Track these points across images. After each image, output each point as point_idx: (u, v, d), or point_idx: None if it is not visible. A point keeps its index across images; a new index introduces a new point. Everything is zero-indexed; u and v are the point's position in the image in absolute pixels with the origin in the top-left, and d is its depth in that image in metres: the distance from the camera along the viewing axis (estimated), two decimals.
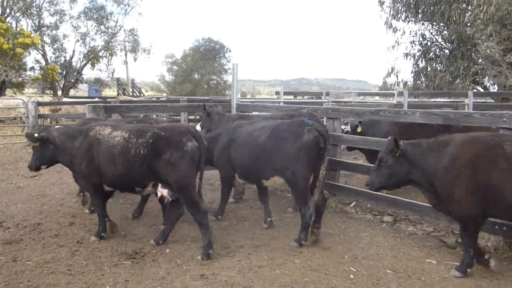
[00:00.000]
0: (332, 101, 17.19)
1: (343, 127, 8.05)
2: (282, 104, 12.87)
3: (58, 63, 32.23)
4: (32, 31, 29.75)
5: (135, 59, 37.09)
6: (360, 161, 8.95)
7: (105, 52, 34.14)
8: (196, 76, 47.09)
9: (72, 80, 33.28)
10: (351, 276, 4.55)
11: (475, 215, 4.42)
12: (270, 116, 7.76)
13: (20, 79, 28.00)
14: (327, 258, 5.02)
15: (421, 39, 23.78)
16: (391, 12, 23.02)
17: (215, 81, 48.02)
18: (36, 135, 5.68)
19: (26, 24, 30.86)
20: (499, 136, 4.50)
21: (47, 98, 23.87)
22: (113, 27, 34.44)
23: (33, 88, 34.29)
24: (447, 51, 22.79)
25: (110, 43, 34.35)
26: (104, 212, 5.61)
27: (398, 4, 22.64)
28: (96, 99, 22.27)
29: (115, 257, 5.00)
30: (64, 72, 32.72)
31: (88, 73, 35.75)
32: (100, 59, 34.04)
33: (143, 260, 4.94)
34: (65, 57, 33.40)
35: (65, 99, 21.31)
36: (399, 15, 22.83)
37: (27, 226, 6.10)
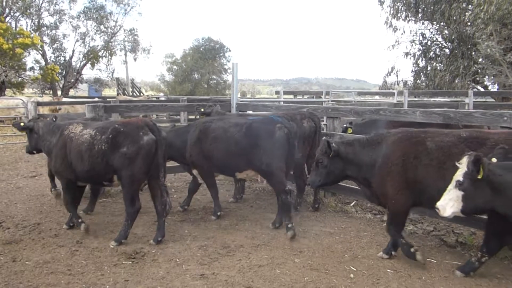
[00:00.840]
0: (332, 101, 17.19)
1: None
2: (282, 103, 12.86)
3: (58, 63, 32.23)
4: (32, 31, 29.74)
5: (135, 59, 37.19)
6: None
7: (105, 52, 34.17)
8: (196, 75, 47.06)
9: (72, 80, 33.30)
10: (351, 275, 4.54)
11: (407, 208, 4.83)
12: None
13: (19, 79, 28.01)
14: (327, 257, 5.01)
15: (421, 38, 23.78)
16: (391, 11, 23.01)
17: (215, 81, 47.98)
18: (22, 124, 6.24)
19: (25, 24, 30.94)
20: (425, 133, 4.79)
21: (46, 98, 23.89)
22: (113, 27, 34.52)
23: (32, 88, 34.29)
24: (447, 50, 22.78)
25: (110, 43, 34.39)
26: (75, 207, 5.91)
27: (398, 3, 22.62)
28: (96, 99, 22.22)
29: (115, 257, 4.99)
30: (64, 72, 32.73)
31: (88, 73, 35.84)
32: (100, 59, 34.07)
33: (143, 259, 4.93)
34: (64, 57, 33.46)
35: (64, 99, 21.29)
36: (399, 14, 22.81)
37: (26, 226, 6.09)
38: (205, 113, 8.04)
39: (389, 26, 23.57)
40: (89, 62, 33.49)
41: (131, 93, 37.03)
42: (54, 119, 6.35)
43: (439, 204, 3.99)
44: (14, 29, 27.41)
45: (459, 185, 3.90)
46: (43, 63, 31.37)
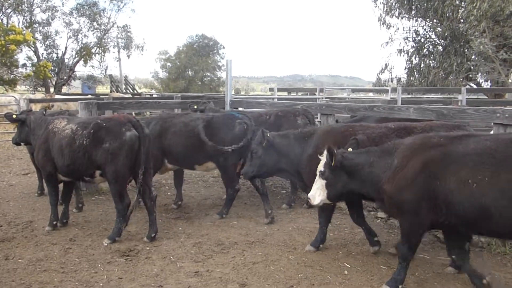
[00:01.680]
0: (326, 98, 17.20)
1: None
2: (276, 100, 12.85)
3: (50, 60, 31.91)
4: (24, 28, 29.44)
5: (128, 56, 36.85)
6: None
7: (98, 48, 33.88)
8: (190, 73, 46.88)
9: (65, 77, 33.00)
10: (346, 272, 4.55)
11: (337, 198, 4.64)
12: None
13: (11, 76, 27.74)
14: (321, 254, 5.02)
15: (414, 35, 23.84)
16: (385, 9, 23.04)
17: (209, 78, 47.82)
18: (14, 116, 6.32)
19: (17, 21, 30.57)
20: (356, 126, 5.10)
21: (39, 95, 23.66)
22: (106, 24, 34.16)
23: (25, 85, 33.96)
24: (440, 47, 22.86)
25: (103, 40, 34.09)
26: (56, 202, 5.89)
27: (392, 1, 22.66)
28: (89, 96, 22.08)
29: (109, 254, 4.97)
30: (56, 69, 32.43)
31: (81, 70, 35.49)
32: (93, 56, 33.77)
33: (137, 257, 4.92)
34: (57, 53, 33.09)
35: (57, 96, 21.13)
36: (392, 12, 22.85)
37: (19, 224, 6.06)
38: (199, 110, 8.01)
39: (383, 23, 23.62)
40: (82, 59, 33.16)
41: (124, 90, 36.84)
42: (43, 113, 6.33)
43: (309, 194, 4.40)
44: (5, 25, 27.12)
45: (321, 174, 4.30)
46: (35, 60, 31.02)
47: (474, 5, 17.03)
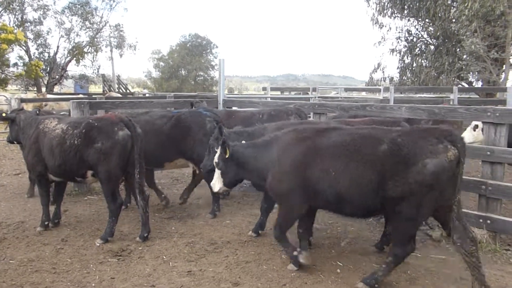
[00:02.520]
0: (319, 97, 17.25)
1: None
2: (269, 100, 12.86)
3: (42, 59, 31.70)
4: (15, 27, 29.21)
5: (120, 55, 36.78)
6: None
7: (90, 48, 33.71)
8: (183, 72, 46.85)
9: (57, 77, 32.79)
10: (338, 270, 4.56)
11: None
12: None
13: (3, 75, 27.53)
14: (314, 253, 5.03)
15: (407, 35, 24.00)
16: (377, 8, 23.18)
17: (202, 77, 47.80)
18: (4, 114, 6.37)
19: (8, 20, 30.32)
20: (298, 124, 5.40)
21: (30, 95, 23.47)
22: (98, 23, 34.05)
23: (16, 84, 33.70)
24: (432, 47, 23.01)
25: (95, 39, 33.94)
26: (48, 202, 5.82)
27: (384, 0, 22.80)
28: (80, 95, 21.92)
29: (101, 254, 4.95)
30: (48, 68, 32.22)
31: (73, 69, 35.30)
32: (85, 55, 33.59)
33: (129, 257, 4.90)
34: (49, 53, 32.90)
35: (49, 96, 20.97)
36: (385, 11, 22.99)
37: (10, 224, 6.01)
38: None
39: (375, 23, 23.76)
40: (74, 58, 33.00)
41: (117, 90, 36.67)
42: (37, 113, 6.29)
43: (211, 183, 5.00)
44: None
45: (217, 165, 4.82)
46: (27, 59, 30.82)
47: (466, 5, 17.16)
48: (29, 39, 31.47)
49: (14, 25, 29.86)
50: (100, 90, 36.11)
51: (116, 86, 36.96)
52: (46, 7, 31.90)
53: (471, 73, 21.08)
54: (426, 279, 4.36)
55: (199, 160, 6.17)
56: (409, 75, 23.51)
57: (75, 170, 5.38)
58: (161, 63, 47.67)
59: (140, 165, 5.32)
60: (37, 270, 4.54)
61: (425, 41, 23.69)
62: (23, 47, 30.54)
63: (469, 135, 6.82)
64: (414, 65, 23.16)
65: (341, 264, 4.71)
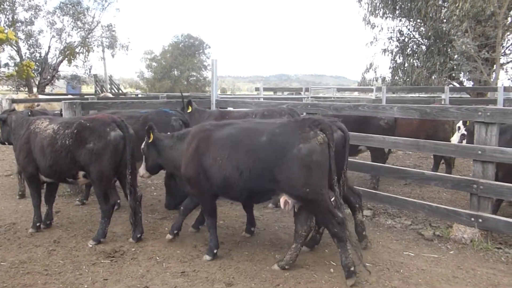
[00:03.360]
0: (311, 97, 17.29)
1: None
2: (262, 100, 12.86)
3: (33, 59, 31.45)
4: (6, 27, 28.95)
5: (112, 55, 36.49)
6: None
7: (82, 48, 33.50)
8: (175, 72, 46.74)
9: (48, 77, 32.54)
10: (331, 270, 4.58)
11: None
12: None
13: None
14: (307, 252, 5.04)
15: (398, 35, 24.12)
16: (369, 9, 23.26)
17: (194, 78, 47.71)
18: None
19: None
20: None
21: (22, 95, 23.28)
22: (90, 23, 33.80)
23: (7, 85, 33.40)
24: (424, 47, 23.15)
25: (87, 39, 33.72)
26: (39, 203, 5.79)
27: (376, 1, 22.90)
28: (69, 96, 21.72)
29: (93, 256, 4.93)
30: (40, 69, 31.97)
31: (65, 69, 35.05)
32: (77, 55, 33.38)
33: (122, 258, 4.88)
34: (40, 53, 32.62)
35: (40, 96, 20.81)
36: (377, 12, 23.09)
37: (1, 226, 5.96)
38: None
39: (367, 23, 23.86)
40: (66, 58, 32.77)
41: (109, 90, 36.47)
42: (29, 114, 6.26)
43: (139, 169, 5.48)
44: None
45: (142, 150, 5.35)
46: (18, 59, 30.57)
47: (457, 5, 17.30)
48: (20, 39, 31.21)
49: (5, 25, 29.58)
50: (92, 91, 35.90)
51: (108, 86, 36.75)
52: (37, 7, 31.66)
53: (462, 73, 21.23)
54: (419, 278, 4.39)
55: None
56: (401, 75, 23.63)
57: (67, 171, 5.33)
58: (154, 64, 47.52)
59: (132, 166, 5.30)
60: (29, 272, 4.51)
61: (417, 41, 23.83)
62: (14, 47, 30.29)
63: (455, 138, 6.99)
64: (406, 65, 23.29)
65: (334, 263, 4.72)
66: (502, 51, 20.11)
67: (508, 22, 19.46)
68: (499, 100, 13.40)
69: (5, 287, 4.19)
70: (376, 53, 27.99)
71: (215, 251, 4.87)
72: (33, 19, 31.85)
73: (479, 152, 5.16)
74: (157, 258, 4.88)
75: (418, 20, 22.45)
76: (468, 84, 22.36)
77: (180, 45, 47.01)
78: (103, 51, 36.70)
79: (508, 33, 20.07)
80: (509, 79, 21.89)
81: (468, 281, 4.32)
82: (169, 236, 5.39)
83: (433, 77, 21.86)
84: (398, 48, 23.99)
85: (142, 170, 5.46)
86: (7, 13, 30.41)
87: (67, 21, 32.82)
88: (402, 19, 23.48)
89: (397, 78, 23.75)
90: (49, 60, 32.59)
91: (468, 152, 5.34)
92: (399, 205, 6.07)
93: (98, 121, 5.28)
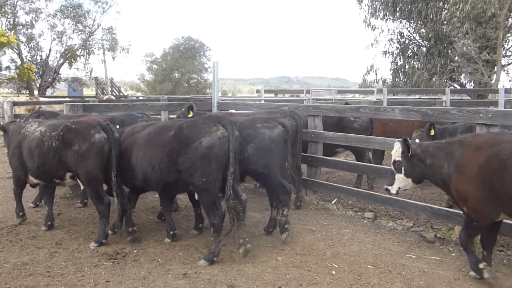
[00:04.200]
0: (312, 99, 17.30)
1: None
2: (263, 102, 12.87)
3: (34, 62, 31.51)
4: (7, 30, 29.02)
5: (113, 58, 36.50)
6: (341, 158, 9.03)
7: (83, 51, 33.55)
8: (176, 75, 46.67)
9: (49, 80, 32.60)
10: (333, 272, 4.58)
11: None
12: None
13: None
14: (309, 255, 5.04)
15: (399, 37, 24.10)
16: (370, 11, 23.25)
17: (195, 80, 47.66)
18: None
19: (0, 23, 30.12)
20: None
21: (23, 98, 23.31)
22: (91, 26, 33.84)
23: (8, 88, 33.50)
24: (424, 48, 23.14)
25: (88, 42, 33.78)
26: (20, 199, 6.11)
27: (376, 3, 22.89)
28: (68, 99, 21.71)
29: (96, 257, 4.93)
30: (41, 71, 32.02)
31: (66, 72, 35.12)
32: (78, 58, 33.43)
33: (124, 260, 4.89)
34: (41, 56, 32.67)
35: (41, 99, 20.84)
36: (377, 14, 23.07)
37: (4, 228, 5.97)
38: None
39: (368, 25, 23.83)
40: (67, 61, 32.82)
41: (110, 93, 36.49)
42: (38, 114, 6.37)
43: None
44: None
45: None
46: (19, 62, 30.61)
47: (457, 7, 17.29)
48: (21, 42, 31.26)
49: (6, 28, 29.65)
50: (93, 93, 35.91)
51: (109, 89, 36.78)
52: (38, 10, 31.69)
53: (463, 75, 21.22)
54: (420, 280, 4.39)
55: None
56: (401, 77, 23.60)
57: (54, 172, 5.49)
58: (154, 66, 47.49)
59: (118, 167, 5.34)
60: (31, 273, 4.52)
61: (417, 43, 23.82)
62: (15, 50, 30.35)
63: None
64: (407, 67, 23.27)
65: (336, 265, 4.73)
66: (503, 52, 20.08)
67: (509, 24, 19.46)
68: (500, 102, 13.37)
69: None
70: (376, 55, 27.96)
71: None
72: (34, 22, 31.91)
73: None
74: (159, 260, 4.89)
75: (419, 22, 22.45)
76: (469, 86, 22.34)
77: (181, 48, 46.99)
78: (103, 53, 36.74)
79: (509, 34, 20.07)
80: (510, 81, 21.87)
81: (470, 283, 4.32)
82: (167, 240, 5.47)
83: (433, 79, 21.84)
84: (398, 50, 23.98)
85: None
86: (8, 16, 30.47)
87: (68, 24, 32.89)
88: (403, 21, 23.46)
89: (398, 80, 23.72)
90: (50, 62, 32.65)
91: None
92: (400, 207, 6.07)
93: (83, 123, 5.42)
